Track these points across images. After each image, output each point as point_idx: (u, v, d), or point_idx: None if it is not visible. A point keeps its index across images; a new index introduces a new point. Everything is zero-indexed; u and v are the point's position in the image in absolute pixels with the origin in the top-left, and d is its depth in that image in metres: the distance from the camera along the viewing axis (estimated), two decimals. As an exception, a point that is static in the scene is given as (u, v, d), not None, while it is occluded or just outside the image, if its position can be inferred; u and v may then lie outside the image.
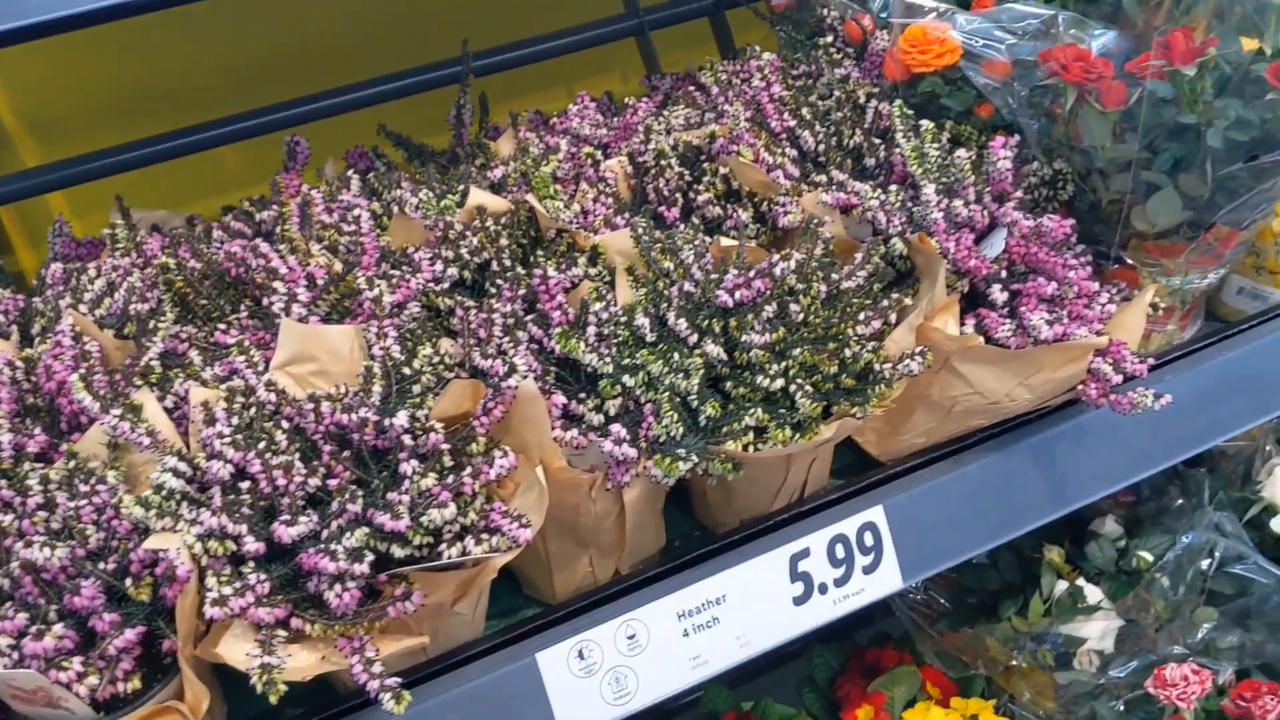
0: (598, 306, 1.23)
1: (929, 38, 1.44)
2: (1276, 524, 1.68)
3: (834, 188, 1.43)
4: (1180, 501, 1.74)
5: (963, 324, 1.29)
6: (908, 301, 1.28)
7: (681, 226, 1.43)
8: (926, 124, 1.41)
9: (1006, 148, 1.36)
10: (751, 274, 1.22)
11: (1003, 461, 1.36)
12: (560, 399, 1.19)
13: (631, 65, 2.11)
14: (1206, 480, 1.74)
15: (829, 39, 1.61)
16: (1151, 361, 1.33)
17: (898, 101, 1.42)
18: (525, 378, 1.14)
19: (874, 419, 1.29)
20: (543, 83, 2.11)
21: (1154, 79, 1.29)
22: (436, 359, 1.20)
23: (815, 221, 1.33)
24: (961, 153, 1.38)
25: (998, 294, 1.29)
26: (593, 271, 1.35)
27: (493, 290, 1.31)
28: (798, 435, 1.18)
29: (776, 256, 1.24)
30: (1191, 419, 1.45)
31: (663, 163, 1.47)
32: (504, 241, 1.32)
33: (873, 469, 1.38)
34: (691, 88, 1.73)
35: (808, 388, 1.18)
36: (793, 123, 1.51)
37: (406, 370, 1.18)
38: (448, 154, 1.69)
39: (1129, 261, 1.42)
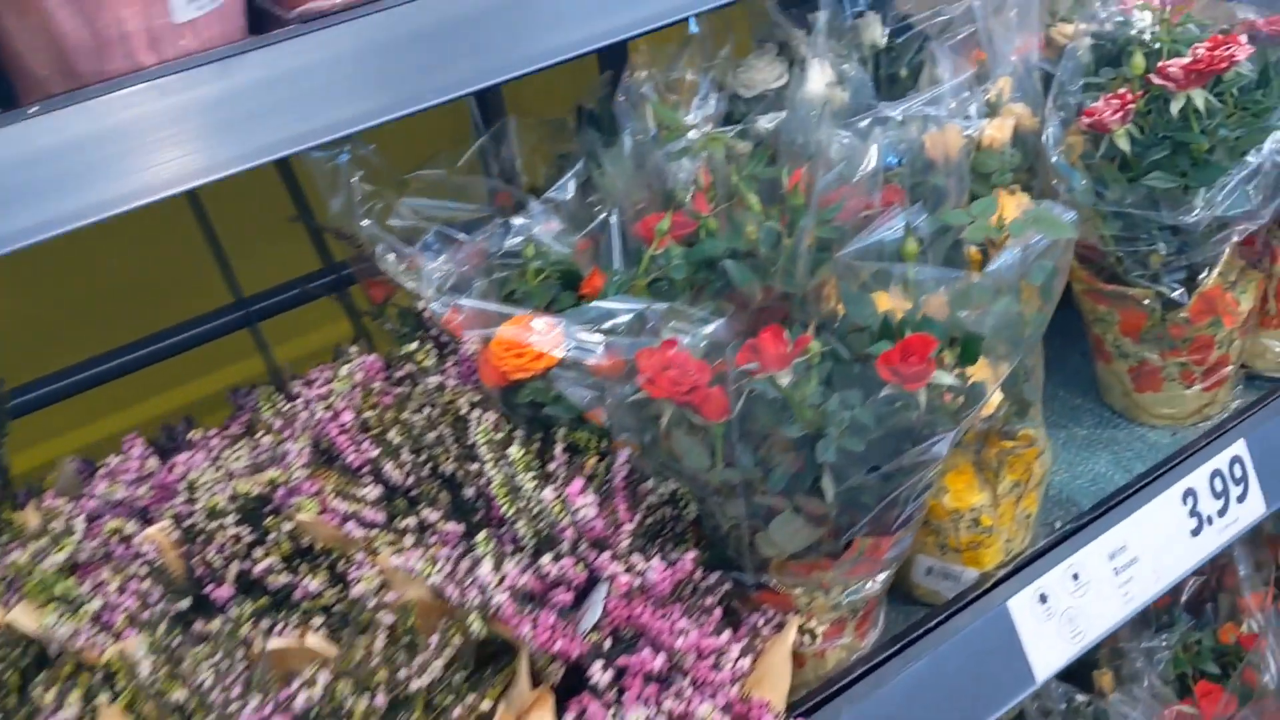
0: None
1: (519, 340, 1.22)
2: None
3: (412, 540, 1.17)
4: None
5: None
6: (484, 707, 1.01)
7: (233, 611, 1.16)
8: (514, 451, 1.17)
9: (588, 492, 1.13)
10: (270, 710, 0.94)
11: None
12: None
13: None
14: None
15: (415, 344, 1.38)
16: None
17: (484, 421, 1.19)
18: None
19: None
20: (159, 384, 1.83)
21: (760, 380, 1.09)
22: None
23: (372, 605, 1.07)
24: (549, 493, 1.14)
25: (599, 674, 1.04)
26: (104, 701, 1.06)
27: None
28: None
29: (309, 670, 0.97)
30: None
31: (214, 525, 1.20)
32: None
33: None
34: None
35: None
36: (375, 452, 1.26)
37: None
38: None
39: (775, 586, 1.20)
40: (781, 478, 1.09)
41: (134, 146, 1.04)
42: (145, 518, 1.27)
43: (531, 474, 1.17)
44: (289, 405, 1.32)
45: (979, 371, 1.16)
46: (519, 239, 1.33)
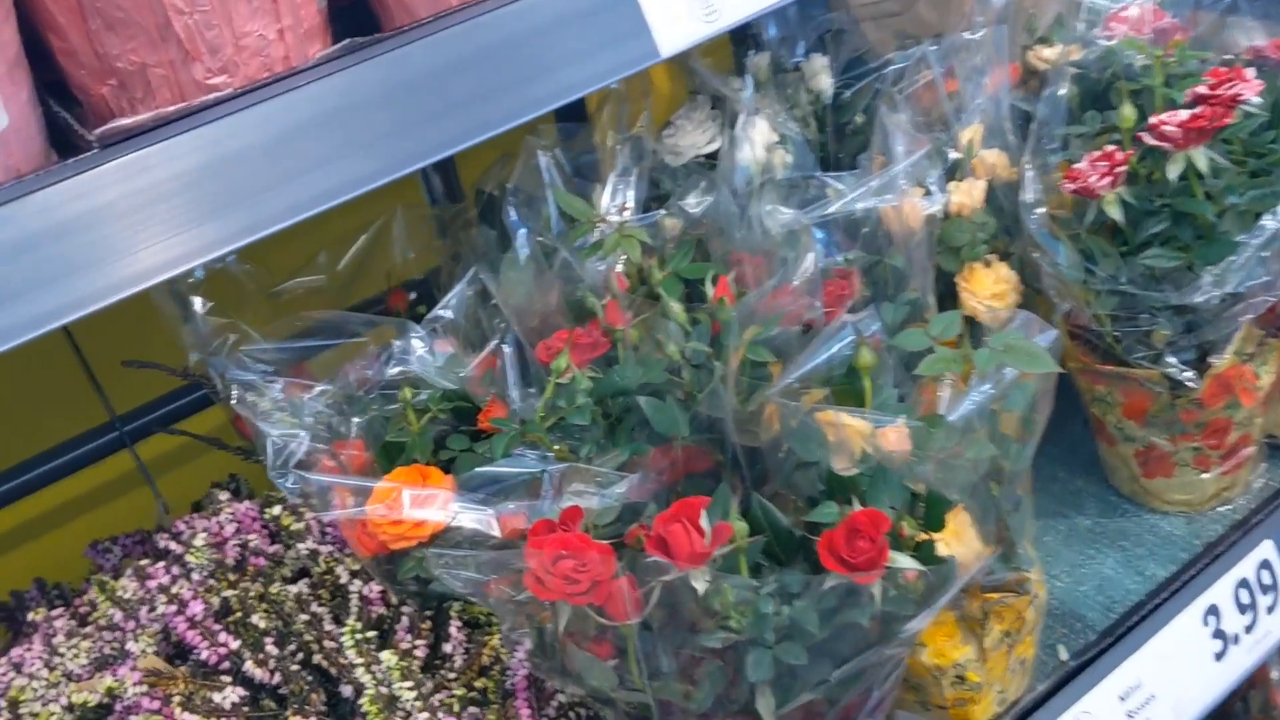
0: None
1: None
2: None
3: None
4: None
5: None
6: None
7: None
8: (388, 658, 0.96)
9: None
10: None
11: None
12: None
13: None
14: None
15: (278, 507, 1.16)
16: None
17: (349, 627, 0.98)
18: None
19: None
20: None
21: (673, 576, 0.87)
22: None
23: None
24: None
25: None
26: None
27: None
28: None
29: None
30: None
31: (40, 752, 1.00)
32: None
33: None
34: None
35: None
36: (235, 644, 1.05)
37: None
38: None
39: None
40: (708, 695, 0.87)
41: None
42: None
43: (409, 684, 0.96)
44: (133, 589, 1.10)
45: (951, 535, 0.95)
46: (398, 369, 1.11)
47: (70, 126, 1.01)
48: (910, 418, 1.01)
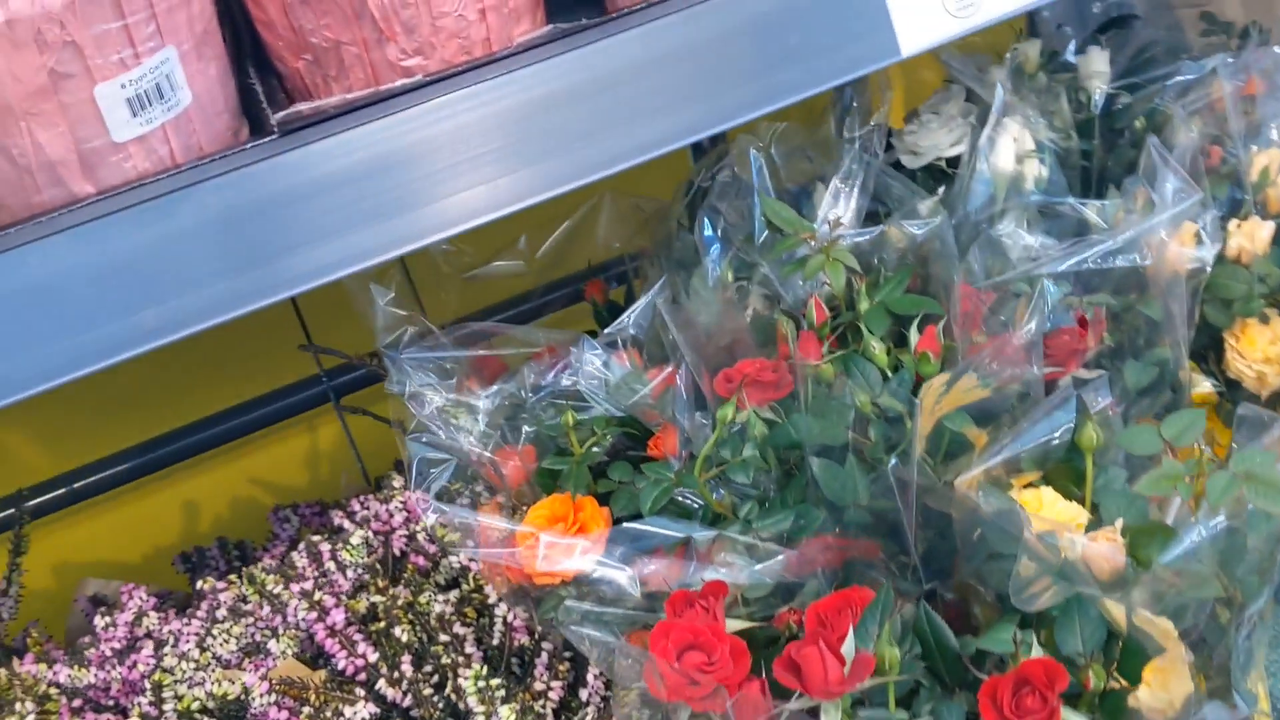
0: None
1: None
2: None
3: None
4: None
5: None
6: None
7: None
8: (506, 714, 0.90)
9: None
10: None
11: None
12: None
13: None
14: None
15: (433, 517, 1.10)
16: None
17: (474, 672, 0.92)
18: None
19: None
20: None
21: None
22: None
23: None
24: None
25: None
26: None
27: None
28: None
29: None
30: None
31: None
32: None
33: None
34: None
35: None
36: (374, 656, 1.01)
37: None
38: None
39: None
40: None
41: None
42: (116, 709, 1.08)
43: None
44: (279, 586, 1.08)
45: (1150, 668, 0.80)
46: (572, 380, 1.03)
47: (259, 104, 0.97)
48: (1135, 512, 0.86)
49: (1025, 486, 0.94)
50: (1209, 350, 1.10)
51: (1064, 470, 0.94)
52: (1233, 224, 1.06)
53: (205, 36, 0.92)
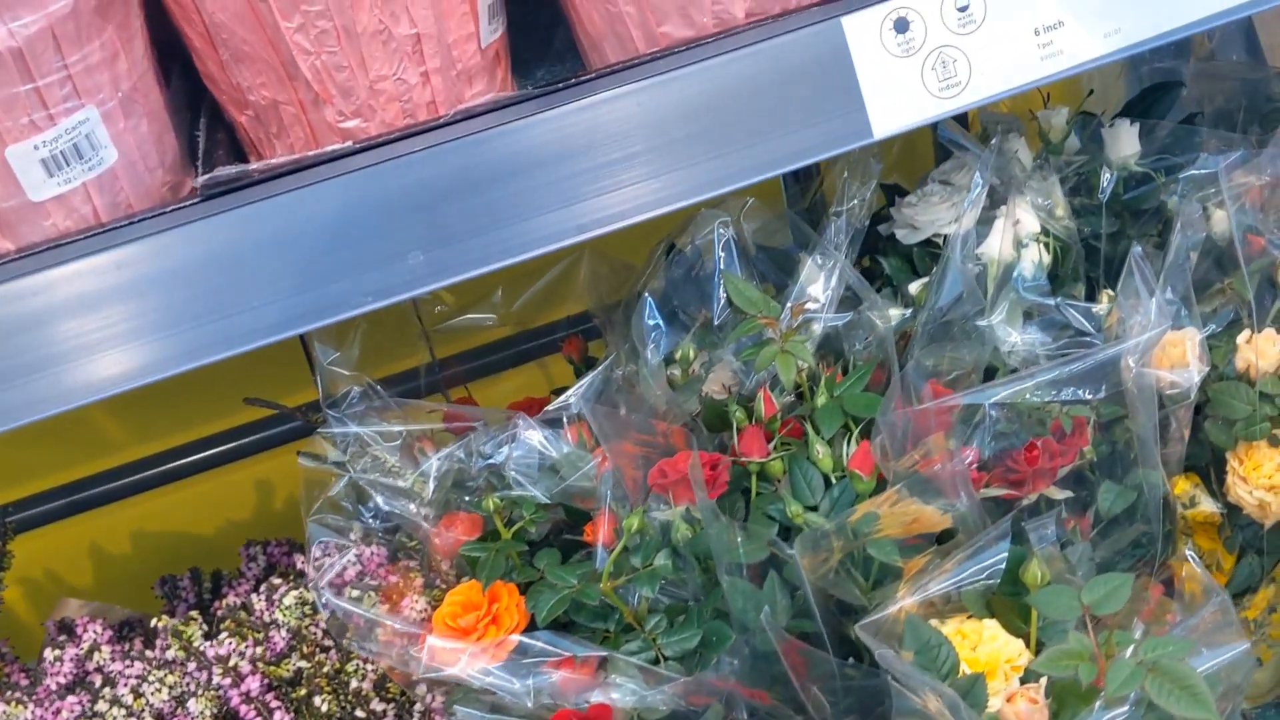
0: None
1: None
2: None
3: None
4: None
5: None
6: None
7: None
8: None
9: None
10: None
11: None
12: None
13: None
14: None
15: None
16: None
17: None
18: None
19: None
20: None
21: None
22: None
23: None
24: None
25: None
26: None
27: None
28: None
29: None
30: None
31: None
32: None
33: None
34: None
35: None
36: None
37: None
38: None
39: None
40: None
41: None
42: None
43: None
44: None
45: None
46: (498, 457, 0.99)
47: (191, 162, 0.95)
48: (1070, 663, 0.79)
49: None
50: (1211, 466, 1.01)
51: (1009, 604, 0.86)
52: (1242, 337, 0.96)
53: (134, 94, 0.89)
